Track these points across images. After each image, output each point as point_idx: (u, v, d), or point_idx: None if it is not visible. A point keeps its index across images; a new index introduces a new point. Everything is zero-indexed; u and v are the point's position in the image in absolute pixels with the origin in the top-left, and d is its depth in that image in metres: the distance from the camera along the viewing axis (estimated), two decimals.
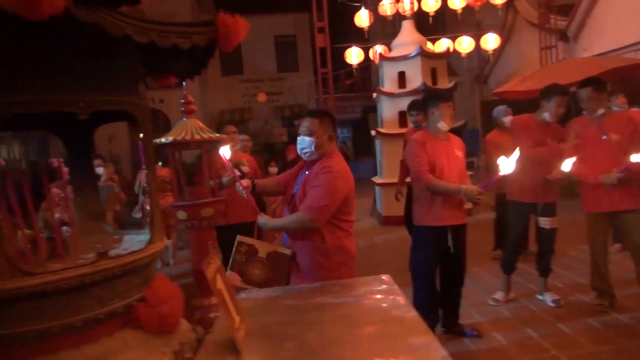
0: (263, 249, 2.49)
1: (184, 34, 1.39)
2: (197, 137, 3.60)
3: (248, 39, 1.55)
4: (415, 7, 8.96)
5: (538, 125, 3.77)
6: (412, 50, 8.11)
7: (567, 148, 3.59)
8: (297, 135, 2.63)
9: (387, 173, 8.10)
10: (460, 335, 3.45)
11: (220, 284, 1.63)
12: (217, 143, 3.60)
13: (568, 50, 10.46)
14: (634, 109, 4.89)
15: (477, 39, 10.58)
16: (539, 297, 4.03)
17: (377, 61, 9.43)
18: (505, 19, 12.83)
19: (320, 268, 2.49)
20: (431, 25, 9.60)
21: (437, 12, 9.37)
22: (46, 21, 1.09)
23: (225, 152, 2.54)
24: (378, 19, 10.18)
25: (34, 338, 1.35)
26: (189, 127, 3.64)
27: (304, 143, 2.52)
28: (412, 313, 1.77)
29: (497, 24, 12.17)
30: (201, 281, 3.80)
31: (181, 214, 3.68)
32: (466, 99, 14.56)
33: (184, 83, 3.26)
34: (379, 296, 2.02)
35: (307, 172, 2.58)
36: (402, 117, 7.95)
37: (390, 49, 9.21)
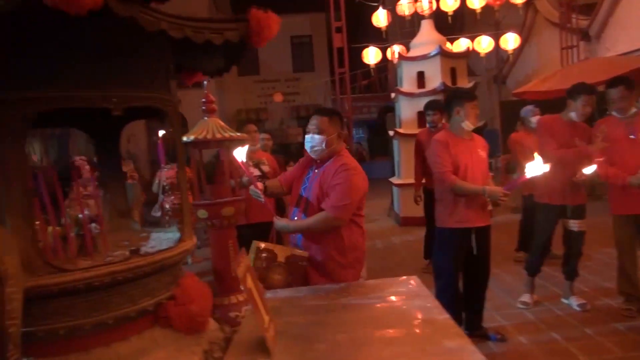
0: (282, 253, 2.48)
1: (217, 30, 1.37)
2: (218, 135, 3.60)
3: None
4: (434, 7, 8.87)
5: (565, 126, 3.69)
6: (431, 49, 8.03)
7: (594, 149, 3.52)
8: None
9: (405, 173, 8.03)
10: (484, 338, 3.39)
11: (250, 283, 1.61)
12: (238, 142, 3.60)
13: (590, 49, 10.27)
14: None
15: (495, 39, 10.44)
16: (564, 300, 3.94)
17: (395, 61, 9.36)
18: (524, 19, 12.65)
19: (337, 266, 2.50)
20: (449, 25, 9.50)
21: (455, 11, 9.27)
22: (84, 16, 1.08)
23: (239, 154, 2.51)
24: (396, 18, 10.09)
25: (66, 335, 1.34)
26: (210, 126, 3.64)
27: (315, 141, 2.53)
28: (444, 315, 1.74)
29: (516, 23, 11.99)
30: (221, 280, 3.80)
31: (202, 213, 3.68)
32: (484, 99, 14.37)
33: (205, 82, 3.26)
34: (406, 298, 1.99)
35: (316, 171, 2.58)
36: (421, 117, 7.86)
37: (408, 49, 9.14)
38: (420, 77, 8.22)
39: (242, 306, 2.98)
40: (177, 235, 1.75)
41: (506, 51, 10.82)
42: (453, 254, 3.31)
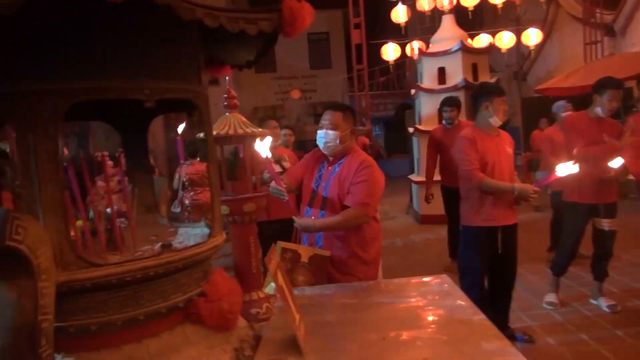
0: (305, 253, 2.46)
1: (252, 20, 1.34)
2: (240, 131, 3.57)
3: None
4: (454, 2, 8.74)
5: (591, 123, 3.60)
6: (452, 45, 7.92)
7: (623, 144, 3.42)
8: None
9: (424, 171, 7.94)
10: (511, 339, 3.31)
11: (281, 280, 1.58)
12: (259, 137, 3.56)
13: (614, 45, 10.04)
14: None
15: (516, 34, 10.25)
16: (593, 301, 3.85)
17: (415, 57, 9.25)
18: (546, 14, 12.42)
19: (360, 262, 2.50)
20: (469, 20, 9.36)
21: (476, 7, 9.12)
22: (119, 3, 1.05)
23: (262, 149, 2.44)
24: (415, 14, 9.98)
25: (97, 330, 1.32)
26: (231, 122, 3.61)
27: (329, 137, 2.51)
28: (480, 316, 1.68)
29: (537, 19, 11.77)
30: (242, 276, 3.77)
31: (223, 209, 3.66)
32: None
33: (227, 77, 3.23)
34: (438, 297, 1.93)
35: (330, 168, 2.56)
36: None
37: (427, 45, 9.03)
38: (441, 73, 8.12)
39: (263, 303, 2.95)
40: (205, 230, 1.73)
41: (527, 47, 10.63)
42: (479, 253, 3.24)
